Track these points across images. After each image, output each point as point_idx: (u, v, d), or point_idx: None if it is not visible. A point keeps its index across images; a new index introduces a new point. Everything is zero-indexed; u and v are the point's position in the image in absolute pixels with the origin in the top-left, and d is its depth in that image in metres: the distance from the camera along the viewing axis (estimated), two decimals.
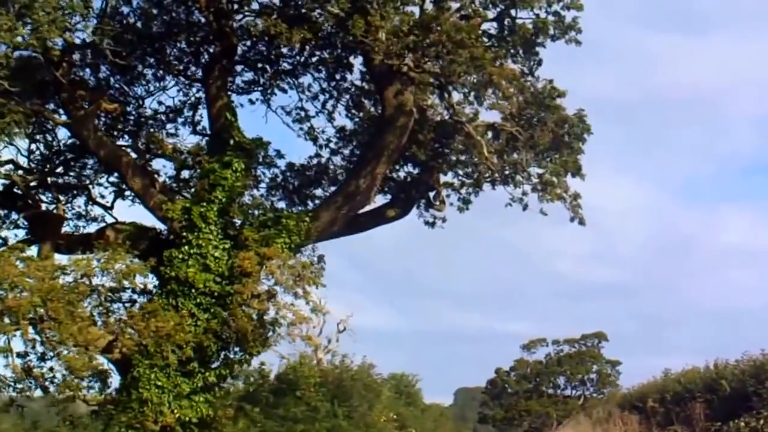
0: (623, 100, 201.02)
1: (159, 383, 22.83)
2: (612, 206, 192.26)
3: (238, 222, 24.76)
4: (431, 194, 28.31)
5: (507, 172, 26.48)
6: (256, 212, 25.50)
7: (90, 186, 28.70)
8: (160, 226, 25.92)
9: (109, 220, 28.22)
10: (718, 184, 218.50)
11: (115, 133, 28.36)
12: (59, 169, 28.51)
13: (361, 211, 27.33)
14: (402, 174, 28.62)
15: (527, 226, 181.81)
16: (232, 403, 26.95)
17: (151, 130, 28.17)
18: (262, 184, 29.12)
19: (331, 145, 29.15)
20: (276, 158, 28.78)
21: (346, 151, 29.19)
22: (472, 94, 24.48)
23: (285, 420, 30.09)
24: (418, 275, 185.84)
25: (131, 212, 27.66)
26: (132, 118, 28.47)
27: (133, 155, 27.15)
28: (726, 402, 27.33)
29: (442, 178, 28.02)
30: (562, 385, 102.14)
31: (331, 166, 29.30)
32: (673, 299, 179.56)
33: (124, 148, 27.25)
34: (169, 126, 28.88)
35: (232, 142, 24.78)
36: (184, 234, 24.00)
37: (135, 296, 24.67)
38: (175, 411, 22.83)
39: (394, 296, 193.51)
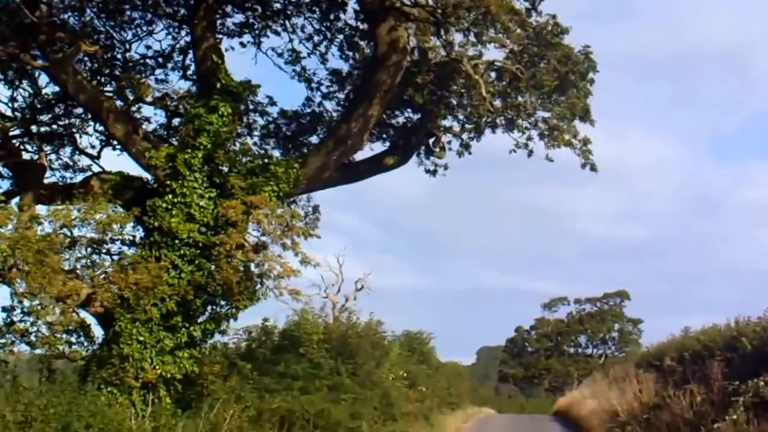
0: (650, 57, 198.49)
1: (141, 338, 21.59)
2: (639, 163, 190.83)
3: (225, 170, 23.38)
4: (431, 141, 27.03)
5: (510, 116, 25.10)
6: (244, 159, 24.06)
7: (77, 135, 27.54)
8: (147, 176, 24.72)
9: (97, 170, 27.04)
10: (747, 140, 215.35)
11: (102, 79, 27.14)
12: (44, 118, 27.34)
13: (358, 158, 26.36)
14: (401, 120, 27.39)
15: (554, 187, 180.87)
16: (220, 360, 25.72)
17: (138, 75, 26.85)
18: (256, 133, 27.98)
19: (323, 88, 27.85)
20: (268, 105, 27.57)
21: (341, 95, 27.95)
22: (472, 32, 22.97)
23: (283, 377, 28.88)
24: (444, 235, 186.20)
25: (119, 162, 26.41)
26: (119, 63, 27.19)
27: (119, 103, 25.86)
28: (746, 360, 25.96)
29: (443, 124, 26.69)
30: (584, 343, 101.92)
31: (326, 113, 28.08)
32: (702, 257, 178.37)
33: (107, 93, 25.94)
34: (158, 72, 27.68)
35: (218, 85, 23.40)
36: (168, 182, 22.75)
37: (124, 248, 23.53)
38: (157, 367, 21.62)
39: (420, 256, 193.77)
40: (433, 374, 53.69)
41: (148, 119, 27.64)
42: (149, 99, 26.33)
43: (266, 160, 23.92)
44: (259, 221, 21.94)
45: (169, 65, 27.60)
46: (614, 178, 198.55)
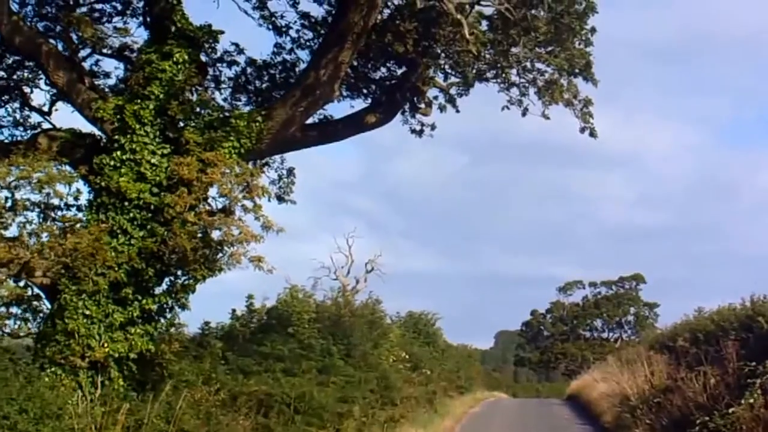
0: (669, 42, 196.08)
1: (87, 312, 19.19)
2: (657, 148, 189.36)
3: (181, 124, 20.91)
4: (416, 98, 24.67)
5: (500, 65, 22.67)
6: (202, 112, 21.52)
7: (27, 89, 25.13)
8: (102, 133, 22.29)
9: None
10: (765, 126, 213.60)
11: (55, 27, 24.56)
12: None
13: (337, 117, 23.88)
14: (383, 74, 24.99)
15: (575, 171, 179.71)
16: (184, 339, 23.30)
17: (93, 21, 24.15)
18: (225, 86, 25.51)
19: (292, 32, 25.23)
20: (236, 54, 25.03)
21: (314, 45, 25.33)
22: None
23: (267, 358, 26.66)
24: (464, 218, 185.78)
25: (74, 120, 23.91)
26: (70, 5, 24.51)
27: (65, 53, 23.29)
28: (762, 340, 24.62)
29: (428, 75, 24.32)
30: (600, 327, 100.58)
31: (299, 64, 25.53)
32: (719, 242, 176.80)
33: (50, 37, 23.35)
34: (116, 20, 25.02)
35: (173, 29, 20.99)
36: (117, 137, 20.36)
37: (80, 214, 21.09)
38: (106, 344, 19.26)
39: (440, 241, 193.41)
40: (440, 357, 52.10)
41: (107, 73, 25.18)
42: (87, 35, 23.51)
43: (227, 113, 21.48)
44: (216, 181, 19.47)
45: (128, 12, 24.87)
46: (634, 163, 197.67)
